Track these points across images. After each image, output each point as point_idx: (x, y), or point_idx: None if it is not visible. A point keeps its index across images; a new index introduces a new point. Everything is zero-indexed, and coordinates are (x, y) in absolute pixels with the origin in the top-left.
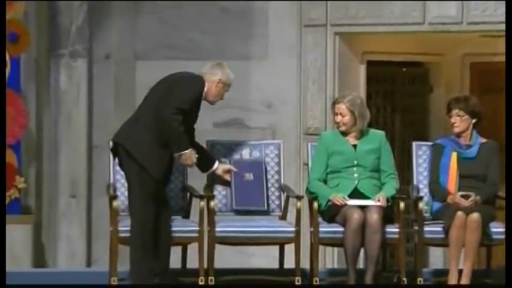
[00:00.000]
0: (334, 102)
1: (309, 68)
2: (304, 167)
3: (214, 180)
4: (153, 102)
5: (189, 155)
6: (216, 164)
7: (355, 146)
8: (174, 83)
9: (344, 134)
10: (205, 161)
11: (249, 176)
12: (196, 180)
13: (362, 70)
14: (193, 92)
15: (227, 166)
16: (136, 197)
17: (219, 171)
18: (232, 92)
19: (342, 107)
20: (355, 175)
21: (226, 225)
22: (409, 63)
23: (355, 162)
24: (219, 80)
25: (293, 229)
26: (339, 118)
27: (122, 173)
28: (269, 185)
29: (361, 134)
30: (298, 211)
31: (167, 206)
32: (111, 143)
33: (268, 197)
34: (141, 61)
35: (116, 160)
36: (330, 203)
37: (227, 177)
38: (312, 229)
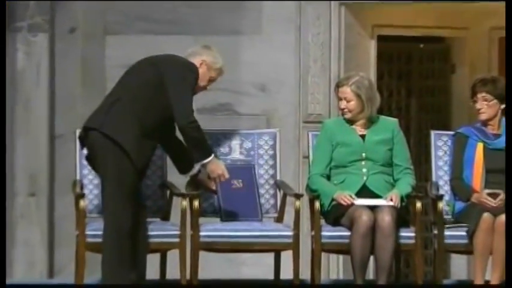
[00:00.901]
0: (338, 85)
1: (310, 44)
2: (304, 161)
3: (196, 185)
4: (137, 85)
5: (216, 164)
6: (197, 167)
7: (363, 136)
8: (169, 73)
9: (350, 122)
10: (183, 160)
11: (238, 184)
12: (178, 175)
13: (372, 46)
14: (192, 85)
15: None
16: (114, 195)
17: (202, 177)
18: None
19: (347, 91)
20: (364, 170)
21: (212, 229)
22: (427, 39)
23: (364, 155)
24: (202, 61)
25: (291, 233)
26: (343, 103)
27: (90, 167)
28: (262, 181)
29: (371, 122)
30: (297, 212)
31: (144, 205)
32: (78, 131)
33: (261, 206)
34: (112, 36)
35: (84, 151)
36: (334, 202)
37: (211, 185)
38: (313, 233)
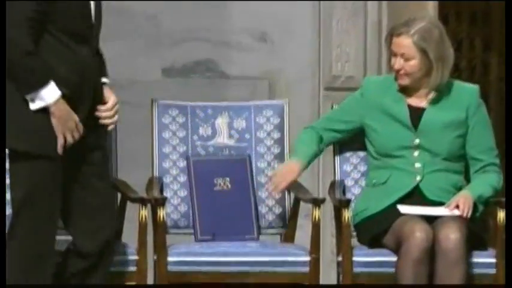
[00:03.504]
0: (392, 34)
1: None
2: (327, 149)
3: None
4: None
5: (62, 108)
6: (32, 106)
7: (420, 111)
8: None
9: (405, 90)
10: None
11: (224, 184)
12: (135, 170)
13: None
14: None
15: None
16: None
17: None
18: (197, 13)
19: (407, 43)
20: (417, 165)
21: (186, 253)
22: None
23: (418, 141)
24: None
25: (306, 258)
26: (399, 62)
27: None
28: (263, 180)
29: (437, 92)
30: (316, 226)
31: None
32: None
33: (259, 217)
34: None
35: None
36: (367, 211)
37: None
38: (340, 258)
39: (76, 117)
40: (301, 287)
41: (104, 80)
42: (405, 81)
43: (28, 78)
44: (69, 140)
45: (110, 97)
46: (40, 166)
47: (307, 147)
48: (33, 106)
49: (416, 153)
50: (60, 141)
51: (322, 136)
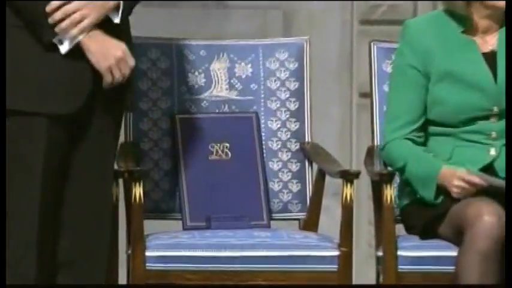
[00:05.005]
0: None
1: None
2: (363, 104)
3: None
4: None
5: (104, 42)
6: (62, 49)
7: (492, 57)
8: None
9: (469, 28)
10: None
11: (222, 152)
12: None
13: None
14: None
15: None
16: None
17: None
18: None
19: None
20: (493, 134)
21: (170, 244)
22: None
23: (495, 109)
24: None
25: (335, 253)
26: None
27: None
28: (275, 147)
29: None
30: (348, 209)
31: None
32: None
33: (269, 198)
34: None
35: None
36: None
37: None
38: (379, 253)
39: (121, 45)
40: None
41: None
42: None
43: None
44: (117, 76)
45: None
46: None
47: (423, 156)
48: (64, 48)
49: (493, 122)
50: (107, 79)
51: (409, 137)
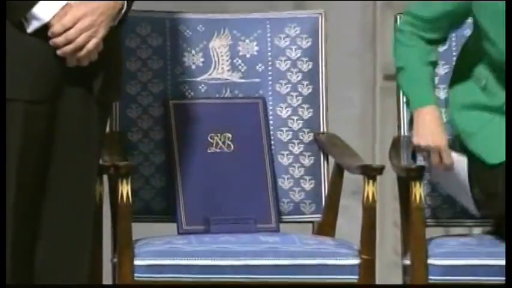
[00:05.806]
0: None
1: None
2: (386, 87)
3: None
4: None
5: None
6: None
7: None
8: None
9: None
10: None
11: (223, 143)
12: None
13: None
14: None
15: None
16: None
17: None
18: None
19: None
20: None
21: (164, 252)
22: None
23: None
24: None
25: (355, 261)
26: None
27: None
28: (284, 137)
29: None
30: (370, 209)
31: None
32: None
33: (278, 197)
34: None
35: None
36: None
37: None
38: (406, 261)
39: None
40: None
41: None
42: None
43: None
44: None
45: None
46: None
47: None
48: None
49: None
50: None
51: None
